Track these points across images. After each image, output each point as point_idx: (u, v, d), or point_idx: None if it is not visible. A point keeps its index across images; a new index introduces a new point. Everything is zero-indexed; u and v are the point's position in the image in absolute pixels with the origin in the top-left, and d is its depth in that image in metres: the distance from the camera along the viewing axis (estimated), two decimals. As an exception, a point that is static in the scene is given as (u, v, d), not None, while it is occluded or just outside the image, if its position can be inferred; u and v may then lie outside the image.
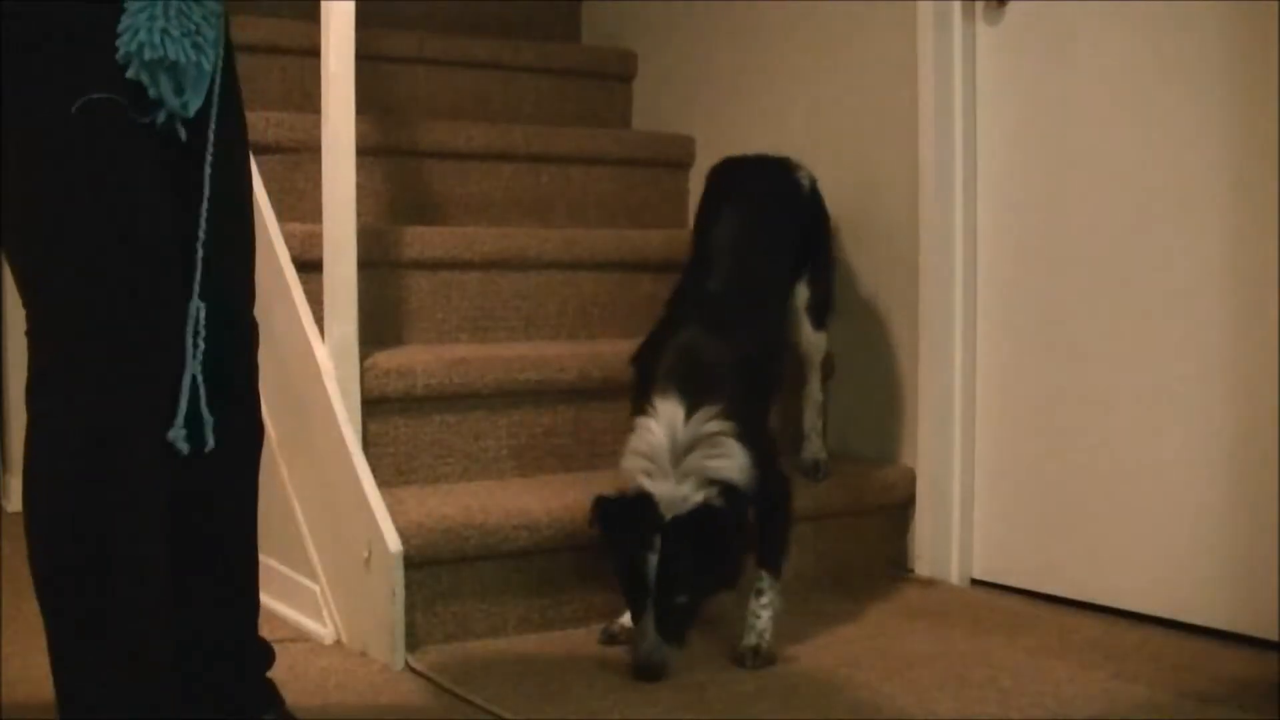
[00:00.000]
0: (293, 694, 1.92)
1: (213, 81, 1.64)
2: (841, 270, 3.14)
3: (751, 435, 2.34)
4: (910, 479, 3.03)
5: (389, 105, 3.44)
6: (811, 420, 2.96)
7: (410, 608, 2.40)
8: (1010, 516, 2.92)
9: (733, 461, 2.30)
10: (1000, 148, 2.91)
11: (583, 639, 2.51)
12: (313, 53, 2.58)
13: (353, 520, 2.45)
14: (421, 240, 2.98)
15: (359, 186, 2.58)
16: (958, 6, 2.93)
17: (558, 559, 2.58)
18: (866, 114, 3.14)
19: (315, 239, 2.62)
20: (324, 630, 2.53)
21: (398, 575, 2.36)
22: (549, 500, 2.59)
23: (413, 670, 2.34)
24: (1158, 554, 2.63)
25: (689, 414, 2.30)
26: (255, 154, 1.90)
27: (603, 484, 2.72)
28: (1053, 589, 2.81)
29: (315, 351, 2.55)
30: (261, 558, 1.89)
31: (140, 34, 1.53)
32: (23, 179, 1.53)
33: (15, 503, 3.54)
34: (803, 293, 2.83)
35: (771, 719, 2.14)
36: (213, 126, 1.66)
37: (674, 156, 3.67)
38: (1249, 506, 2.48)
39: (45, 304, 1.55)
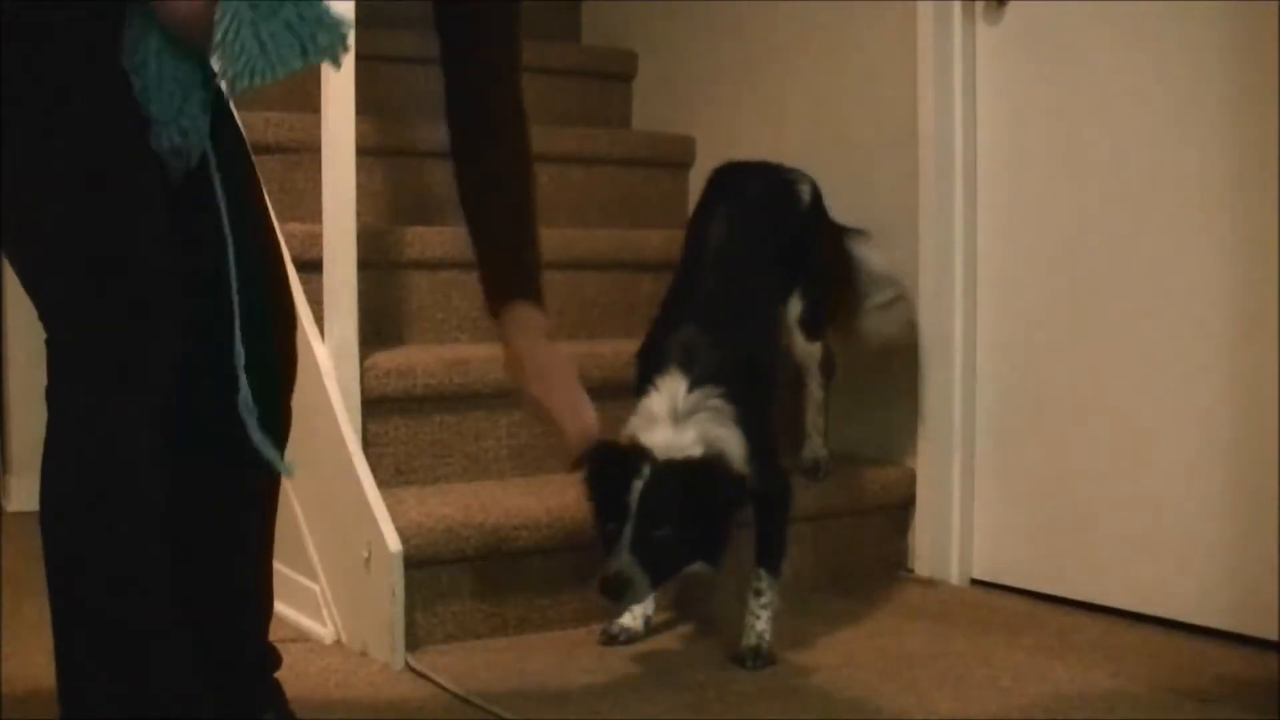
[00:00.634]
0: (293, 694, 1.92)
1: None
2: (841, 270, 3.15)
3: (752, 428, 2.33)
4: (910, 479, 3.03)
5: (389, 105, 3.43)
6: (813, 419, 2.95)
7: (410, 608, 2.40)
8: (1010, 516, 2.92)
9: (732, 436, 2.28)
10: (1000, 148, 2.91)
11: (583, 639, 2.52)
12: (312, 52, 2.57)
13: (353, 520, 2.45)
14: (421, 240, 2.98)
15: (359, 186, 2.59)
16: (958, 6, 2.93)
17: (558, 559, 2.58)
18: (866, 114, 3.14)
19: (315, 239, 2.62)
20: (324, 630, 2.53)
21: (398, 575, 2.36)
22: (549, 500, 2.59)
23: (413, 670, 2.34)
24: (1158, 554, 2.62)
25: (691, 388, 2.29)
26: (255, 154, 1.90)
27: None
28: (1053, 589, 2.81)
29: (315, 351, 2.55)
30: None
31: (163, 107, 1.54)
32: (27, 181, 1.53)
33: (15, 503, 3.54)
34: (795, 305, 2.79)
35: (771, 719, 2.14)
36: (213, 161, 1.65)
37: (674, 156, 3.67)
38: (1249, 506, 2.48)
39: (51, 305, 1.55)
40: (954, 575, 2.97)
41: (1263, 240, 2.44)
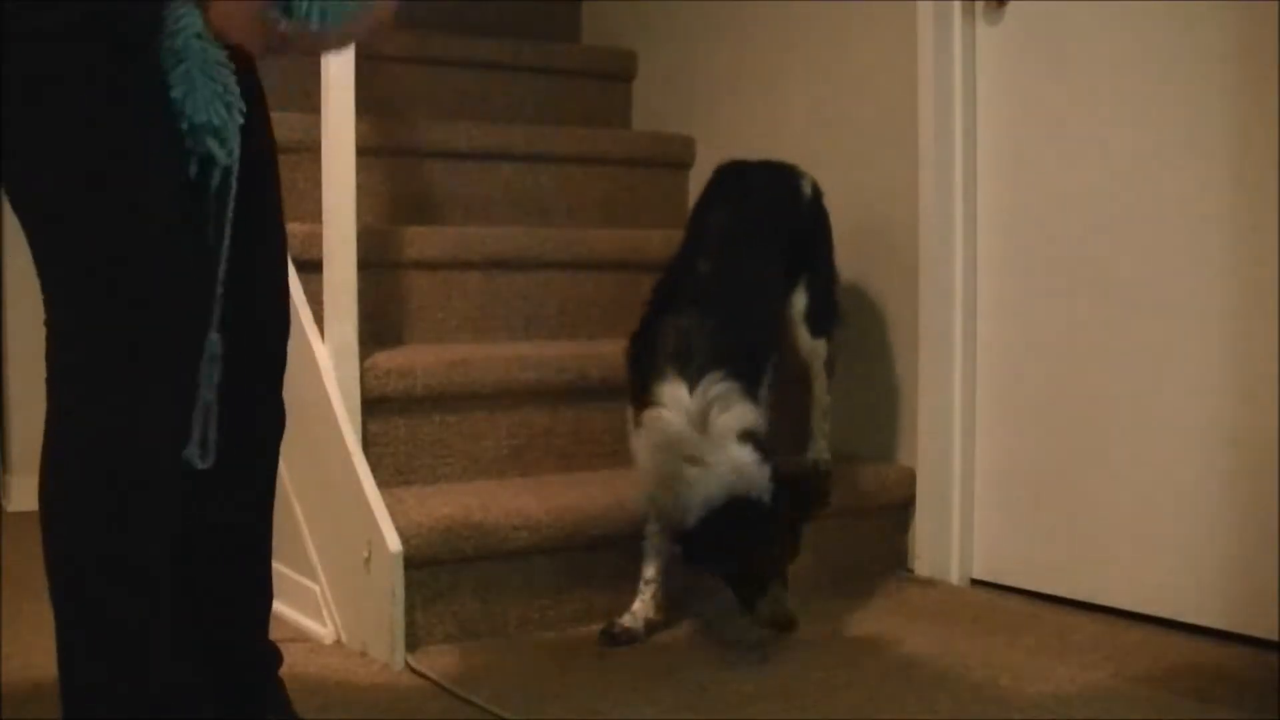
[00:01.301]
0: (293, 694, 1.92)
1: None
2: (841, 269, 3.15)
3: (755, 395, 2.41)
4: (910, 479, 3.03)
5: (389, 105, 3.44)
6: (817, 422, 2.94)
7: (410, 608, 2.40)
8: (1010, 516, 2.92)
9: (746, 406, 2.36)
10: (1000, 148, 2.91)
11: (583, 639, 2.51)
12: (313, 52, 2.58)
13: (353, 520, 2.45)
14: (421, 240, 2.98)
15: (359, 186, 2.58)
16: (958, 7, 2.93)
17: (558, 559, 2.58)
18: (866, 114, 3.15)
19: (315, 239, 2.62)
20: (324, 630, 2.53)
21: (398, 575, 2.36)
22: (549, 500, 2.60)
23: (413, 670, 2.34)
24: (1158, 554, 2.63)
25: (691, 389, 2.33)
26: (255, 154, 1.91)
27: (603, 484, 2.73)
28: (1053, 589, 2.81)
29: (315, 351, 2.55)
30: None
31: (200, 112, 1.54)
32: (50, 178, 1.53)
33: (15, 502, 3.54)
34: (800, 300, 2.81)
35: (771, 719, 2.14)
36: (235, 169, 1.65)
37: (674, 156, 3.67)
38: (1249, 506, 2.48)
39: (68, 300, 1.55)
40: (954, 575, 2.97)
41: (1262, 240, 2.44)
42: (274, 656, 1.88)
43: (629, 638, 2.49)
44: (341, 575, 2.51)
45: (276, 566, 2.61)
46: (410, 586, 2.39)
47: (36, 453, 1.56)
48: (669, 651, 2.47)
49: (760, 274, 2.68)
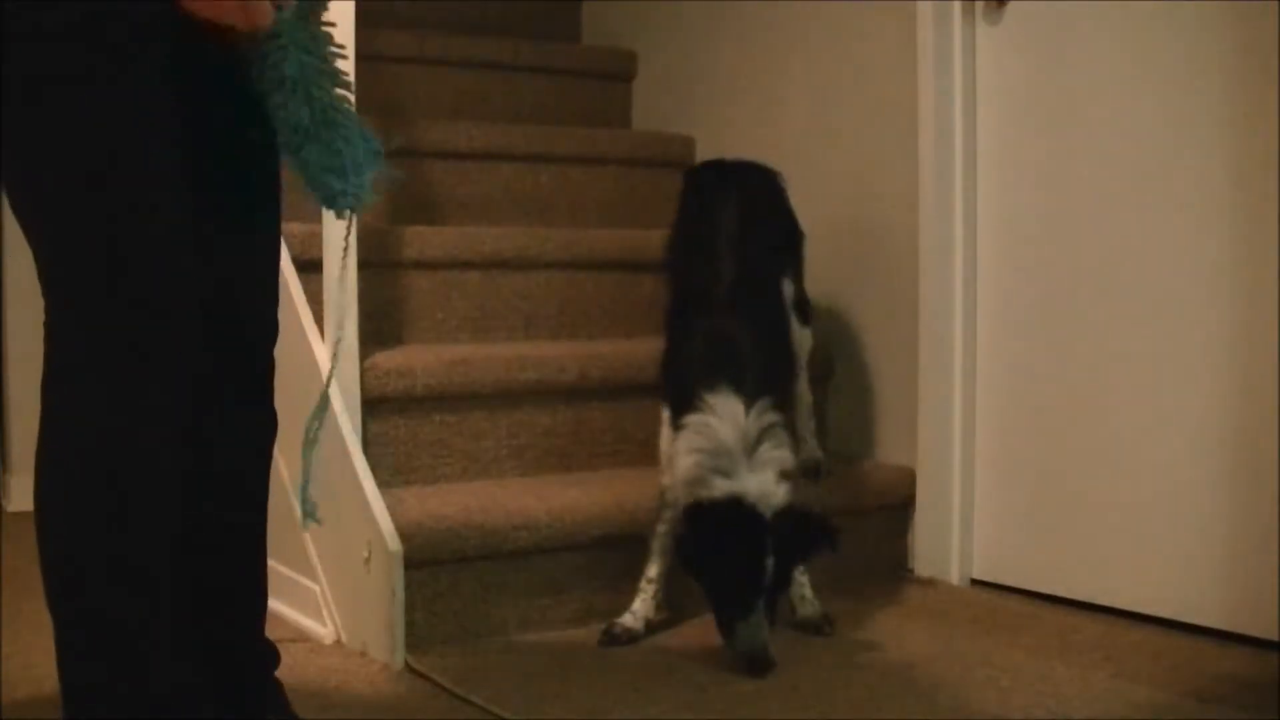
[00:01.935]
0: (293, 694, 1.92)
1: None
2: (841, 270, 3.15)
3: (793, 428, 2.46)
4: (910, 479, 3.03)
5: (389, 105, 3.44)
6: (804, 422, 2.94)
7: (410, 608, 2.40)
8: (1010, 516, 2.92)
9: (789, 449, 2.39)
10: (1000, 148, 2.91)
11: (583, 639, 2.51)
12: (313, 52, 2.57)
13: (353, 520, 2.45)
14: (421, 240, 2.98)
15: (359, 186, 2.58)
16: (958, 6, 2.93)
17: (558, 559, 2.58)
18: (866, 114, 3.14)
19: (315, 239, 2.62)
20: (324, 630, 2.53)
21: (398, 575, 2.36)
22: (549, 500, 2.60)
23: (413, 670, 2.34)
24: (1158, 554, 2.63)
25: (748, 408, 2.34)
26: (255, 154, 1.91)
27: (603, 484, 2.73)
28: (1053, 589, 2.81)
29: (315, 351, 2.55)
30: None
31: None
32: (50, 178, 1.53)
33: (15, 502, 3.54)
34: (788, 290, 2.83)
35: (771, 719, 2.14)
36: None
37: (674, 156, 3.67)
38: (1249, 506, 2.48)
39: (68, 300, 1.55)
40: (954, 575, 2.97)
41: (1263, 240, 2.44)
42: (272, 656, 1.88)
43: (629, 637, 2.49)
44: (341, 575, 2.51)
45: (277, 566, 2.62)
46: (410, 586, 2.39)
47: (35, 453, 1.56)
48: (669, 651, 2.47)
49: (774, 275, 2.73)
